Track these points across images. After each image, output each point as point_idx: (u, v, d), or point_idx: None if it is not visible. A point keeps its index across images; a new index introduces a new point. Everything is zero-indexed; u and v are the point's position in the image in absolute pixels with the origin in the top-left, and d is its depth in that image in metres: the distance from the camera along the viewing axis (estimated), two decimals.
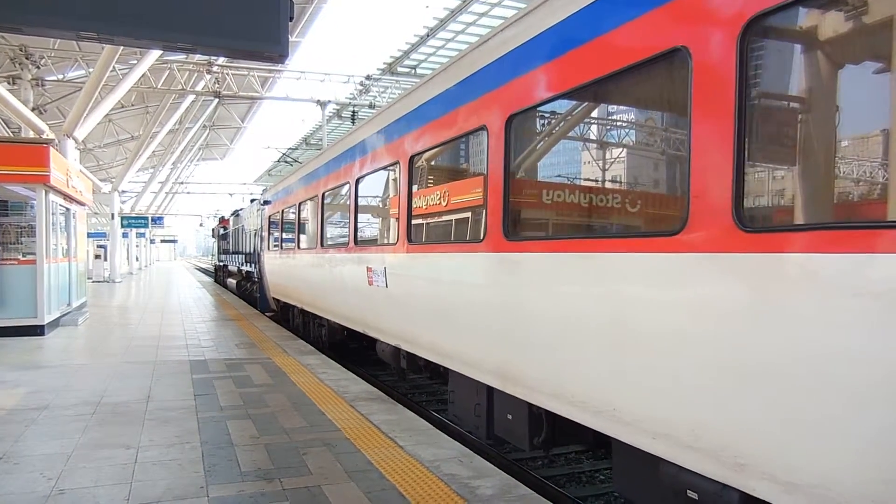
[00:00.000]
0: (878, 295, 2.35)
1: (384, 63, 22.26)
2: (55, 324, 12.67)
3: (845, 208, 2.83)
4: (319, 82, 25.72)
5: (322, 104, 25.47)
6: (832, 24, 2.80)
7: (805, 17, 2.89)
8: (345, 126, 28.09)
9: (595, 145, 4.63)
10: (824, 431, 2.52)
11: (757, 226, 2.87)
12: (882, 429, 2.34)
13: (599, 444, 4.93)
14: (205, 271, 55.72)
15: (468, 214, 5.81)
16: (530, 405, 4.72)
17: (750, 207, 2.95)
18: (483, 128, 5.08)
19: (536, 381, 4.46)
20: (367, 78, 24.35)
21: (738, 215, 2.86)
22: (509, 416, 5.11)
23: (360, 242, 8.56)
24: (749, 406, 2.81)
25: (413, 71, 22.19)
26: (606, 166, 4.60)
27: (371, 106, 24.73)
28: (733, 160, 2.88)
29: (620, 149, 4.46)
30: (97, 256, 34.57)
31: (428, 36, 18.79)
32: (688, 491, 3.23)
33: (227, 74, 24.89)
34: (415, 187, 6.73)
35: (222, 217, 40.71)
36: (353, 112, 25.92)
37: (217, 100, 26.89)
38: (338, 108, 27.11)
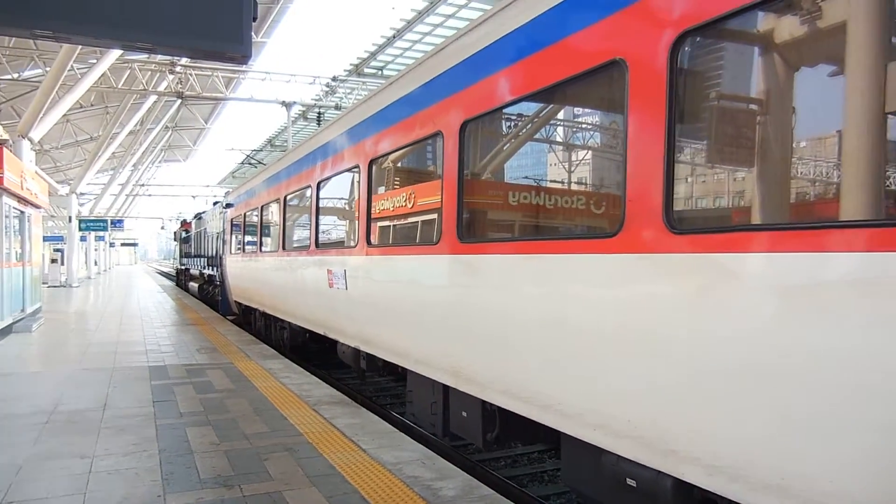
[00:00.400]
0: (794, 292, 2.55)
1: (351, 64, 22.15)
2: (8, 330, 12.27)
3: (765, 211, 3.01)
4: (285, 83, 25.48)
5: (287, 105, 25.21)
6: (754, 39, 3.04)
7: (728, 33, 3.11)
8: (311, 128, 27.86)
9: (542, 152, 4.86)
10: (744, 419, 2.71)
11: (684, 228, 3.07)
12: (796, 415, 2.52)
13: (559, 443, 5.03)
14: (166, 275, 54.61)
15: (425, 217, 5.94)
16: (483, 402, 4.86)
17: (678, 210, 3.14)
18: (438, 133, 5.23)
19: (488, 379, 4.61)
20: (334, 79, 24.17)
21: (667, 218, 3.05)
22: (464, 414, 5.25)
23: (321, 245, 8.62)
24: (678, 397, 3.01)
25: (380, 72, 22.13)
26: (553, 171, 4.81)
27: (337, 107, 24.58)
28: (664, 166, 3.06)
29: (566, 155, 4.69)
30: (53, 260, 33.65)
31: (394, 38, 18.79)
32: (627, 479, 3.40)
33: (191, 74, 24.45)
34: (374, 191, 6.85)
35: (184, 220, 40.00)
36: (319, 114, 25.72)
37: (180, 100, 26.38)
38: (303, 109, 26.86)
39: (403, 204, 6.44)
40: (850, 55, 2.61)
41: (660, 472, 3.14)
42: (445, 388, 5.45)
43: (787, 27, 2.86)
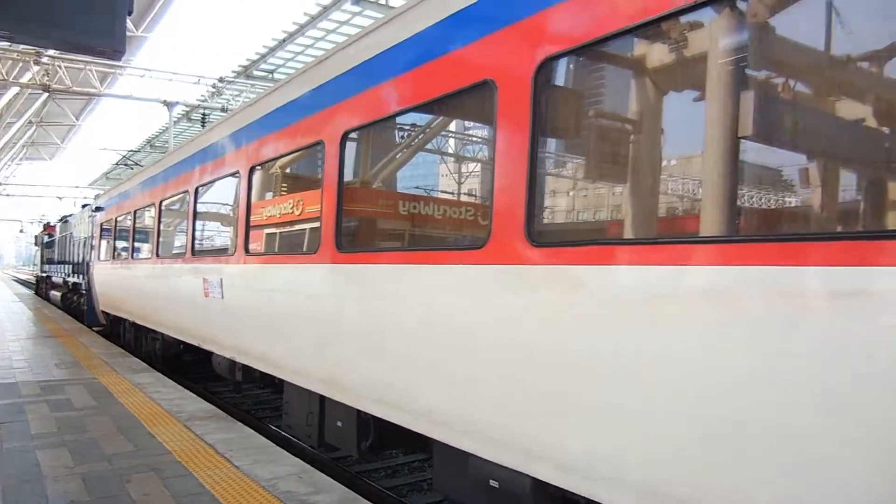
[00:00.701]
0: (630, 301, 2.82)
1: (240, 65, 21.47)
2: None
3: (620, 226, 3.28)
4: (167, 81, 24.10)
5: (169, 105, 23.92)
6: (613, 65, 3.37)
7: (587, 60, 3.40)
8: (195, 129, 26.61)
9: (421, 164, 5.01)
10: (588, 419, 2.96)
11: (543, 241, 3.29)
12: (635, 415, 2.78)
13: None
14: (24, 283, 49.93)
15: (305, 227, 5.92)
16: (359, 411, 4.90)
17: (539, 224, 3.36)
18: (320, 143, 5.23)
19: (363, 388, 4.67)
20: (220, 80, 23.25)
21: (529, 231, 3.24)
22: (339, 423, 5.27)
23: (197, 253, 8.37)
24: (531, 400, 3.22)
25: (271, 75, 21.61)
26: (430, 184, 5.00)
27: (224, 109, 23.62)
28: (527, 182, 3.25)
29: (442, 168, 4.87)
30: None
31: (285, 41, 18.43)
32: (490, 481, 3.55)
33: (60, 66, 22.51)
34: (254, 198, 6.75)
35: (48, 223, 36.81)
36: (204, 115, 24.63)
37: (46, 94, 24.26)
38: (187, 109, 25.61)
39: (284, 212, 6.36)
40: (708, 84, 2.88)
41: (519, 472, 3.31)
42: (322, 398, 5.43)
43: (640, 56, 3.14)
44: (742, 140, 2.81)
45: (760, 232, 2.97)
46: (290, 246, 6.42)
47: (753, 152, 3.00)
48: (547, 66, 3.24)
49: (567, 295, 3.09)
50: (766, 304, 2.37)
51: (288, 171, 6.84)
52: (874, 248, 2.14)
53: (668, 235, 3.11)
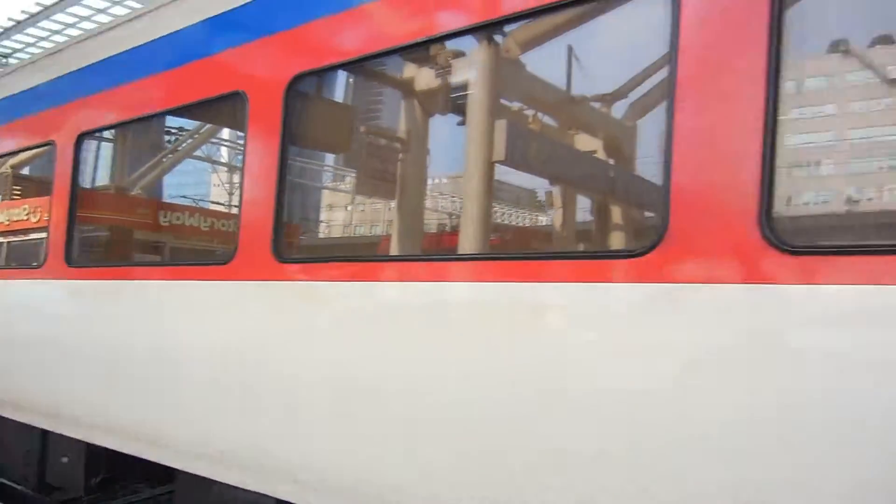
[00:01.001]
0: (368, 316, 2.96)
1: None
2: None
3: (362, 243, 3.37)
4: None
5: None
6: (359, 85, 3.56)
7: (337, 79, 3.56)
8: None
9: (164, 173, 4.88)
10: (324, 431, 3.03)
11: (288, 256, 3.31)
12: (365, 429, 2.88)
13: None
14: None
15: (27, 237, 5.32)
16: (88, 444, 4.47)
17: (285, 239, 3.39)
18: (51, 143, 4.75)
19: (94, 418, 4.31)
20: None
21: (275, 247, 3.23)
22: (64, 459, 4.75)
23: None
24: (273, 418, 3.21)
25: (5, 60, 18.61)
26: (179, 193, 4.79)
27: None
28: (275, 196, 3.25)
29: (190, 178, 4.80)
30: None
31: (23, 23, 16.08)
32: None
33: None
34: None
35: None
36: None
37: None
38: None
39: (3, 220, 5.56)
40: (468, 110, 3.05)
41: (262, 494, 3.25)
42: (44, 432, 4.82)
43: (397, 79, 3.32)
44: (497, 164, 3.02)
45: (507, 250, 3.21)
46: (4, 258, 5.68)
47: (506, 175, 3.23)
48: (299, 81, 3.27)
49: (309, 311, 3.13)
50: (512, 319, 2.53)
51: (8, 173, 5.97)
52: (604, 266, 2.41)
53: (405, 253, 3.33)
